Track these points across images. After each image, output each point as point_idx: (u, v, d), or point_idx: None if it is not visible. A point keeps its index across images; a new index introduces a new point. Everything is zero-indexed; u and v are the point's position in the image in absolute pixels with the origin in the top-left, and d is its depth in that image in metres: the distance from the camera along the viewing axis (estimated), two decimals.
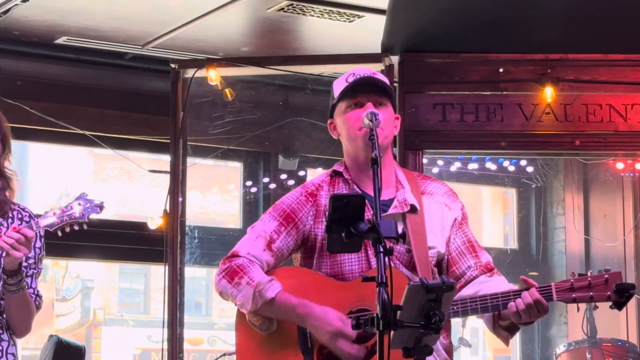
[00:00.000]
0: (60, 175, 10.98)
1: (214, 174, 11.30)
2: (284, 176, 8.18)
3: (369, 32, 6.51)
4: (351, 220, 2.65)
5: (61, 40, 7.21)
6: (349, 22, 6.83)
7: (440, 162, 8.40)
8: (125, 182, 12.01)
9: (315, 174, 7.98)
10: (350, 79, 3.22)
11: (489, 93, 5.61)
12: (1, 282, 3.46)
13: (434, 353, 2.80)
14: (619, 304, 3.11)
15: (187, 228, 6.12)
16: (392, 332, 2.52)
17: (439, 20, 5.56)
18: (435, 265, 3.23)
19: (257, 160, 8.36)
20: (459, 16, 5.56)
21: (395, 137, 3.63)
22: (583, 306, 3.20)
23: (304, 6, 6.55)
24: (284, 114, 7.90)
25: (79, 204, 3.46)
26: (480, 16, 5.53)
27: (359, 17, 6.74)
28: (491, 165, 8.68)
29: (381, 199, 2.84)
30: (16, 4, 6.39)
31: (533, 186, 9.13)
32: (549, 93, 5.52)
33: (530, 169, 8.92)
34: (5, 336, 3.53)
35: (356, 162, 3.25)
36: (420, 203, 3.23)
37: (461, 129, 5.56)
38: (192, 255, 7.47)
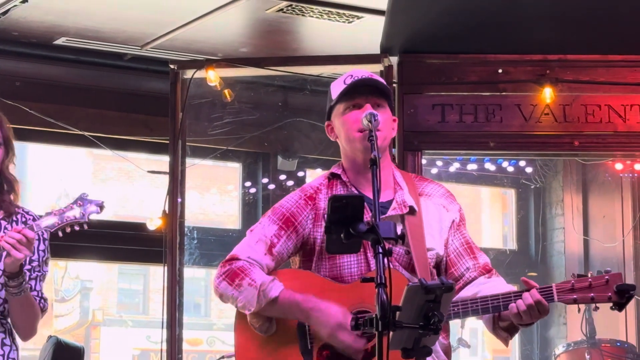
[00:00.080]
0: (59, 176, 10.98)
1: (213, 175, 11.30)
2: (283, 177, 8.18)
3: (368, 33, 6.52)
4: (350, 221, 2.65)
5: (60, 41, 7.21)
6: (348, 22, 6.83)
7: (439, 163, 8.40)
8: (124, 183, 12.00)
9: (314, 175, 7.99)
10: (349, 81, 3.21)
11: (487, 94, 5.61)
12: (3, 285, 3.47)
13: (432, 354, 2.80)
14: (619, 305, 3.12)
15: (186, 229, 6.12)
16: (391, 333, 2.52)
17: (438, 21, 5.56)
18: (433, 267, 3.23)
19: (256, 160, 8.36)
20: (458, 17, 5.56)
21: (393, 138, 3.62)
22: (582, 307, 3.20)
23: (303, 7, 6.55)
24: (283, 114, 7.90)
25: (79, 204, 3.47)
26: (479, 17, 5.53)
27: (358, 17, 6.74)
28: (490, 166, 8.68)
29: (380, 200, 2.84)
30: (15, 5, 6.39)
31: (532, 187, 9.13)
32: (547, 94, 5.52)
33: (529, 170, 8.92)
34: (7, 341, 3.54)
35: (354, 164, 3.24)
36: (419, 205, 3.23)
37: (460, 129, 5.56)
38: (191, 255, 7.46)
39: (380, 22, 5.80)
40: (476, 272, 3.23)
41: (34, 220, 3.54)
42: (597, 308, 3.17)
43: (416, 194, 3.26)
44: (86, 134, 7.48)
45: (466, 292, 3.19)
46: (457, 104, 5.58)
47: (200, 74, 5.86)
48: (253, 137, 7.84)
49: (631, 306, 8.06)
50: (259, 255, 3.17)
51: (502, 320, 3.17)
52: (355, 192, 3.21)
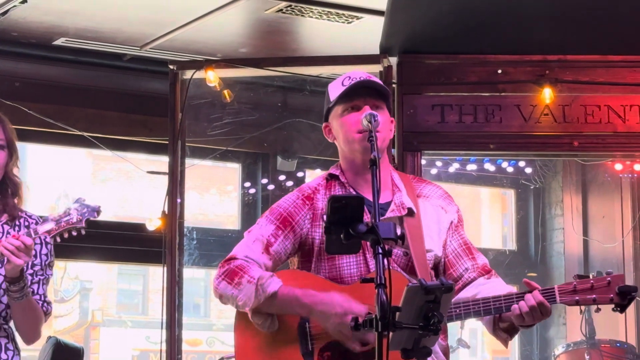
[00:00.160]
0: (58, 177, 10.97)
1: (212, 175, 11.29)
2: (282, 177, 8.18)
3: (367, 34, 6.52)
4: (350, 222, 2.65)
5: (59, 42, 7.21)
6: (348, 23, 6.83)
7: (438, 163, 8.40)
8: (123, 183, 11.99)
9: (313, 175, 7.99)
10: (347, 83, 3.19)
11: (487, 94, 5.62)
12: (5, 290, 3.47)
13: (432, 355, 2.80)
14: (621, 307, 3.12)
15: (185, 229, 6.12)
16: (390, 334, 2.52)
17: (437, 21, 5.56)
18: (432, 268, 3.22)
19: (256, 161, 8.36)
20: (458, 17, 5.56)
21: (391, 139, 3.62)
22: (583, 308, 3.20)
23: (302, 7, 6.54)
24: (282, 115, 7.90)
25: (77, 209, 3.48)
26: (479, 17, 5.54)
27: (358, 18, 6.74)
28: (490, 167, 8.69)
29: (378, 202, 2.83)
30: (14, 5, 6.39)
31: (532, 187, 9.13)
32: (547, 94, 5.53)
33: (528, 170, 8.92)
34: (10, 346, 3.55)
35: (353, 165, 3.23)
36: (417, 206, 3.23)
37: (459, 130, 5.56)
38: (190, 256, 7.46)
39: (379, 22, 5.80)
40: (475, 273, 3.23)
41: (36, 224, 3.55)
42: (598, 309, 3.17)
43: (414, 196, 3.25)
44: (85, 134, 7.48)
45: (465, 293, 3.18)
46: (456, 105, 5.58)
47: (199, 74, 5.86)
48: (252, 138, 7.84)
49: (631, 307, 8.05)
50: (256, 254, 3.16)
51: (503, 321, 3.17)
52: (354, 193, 3.20)
